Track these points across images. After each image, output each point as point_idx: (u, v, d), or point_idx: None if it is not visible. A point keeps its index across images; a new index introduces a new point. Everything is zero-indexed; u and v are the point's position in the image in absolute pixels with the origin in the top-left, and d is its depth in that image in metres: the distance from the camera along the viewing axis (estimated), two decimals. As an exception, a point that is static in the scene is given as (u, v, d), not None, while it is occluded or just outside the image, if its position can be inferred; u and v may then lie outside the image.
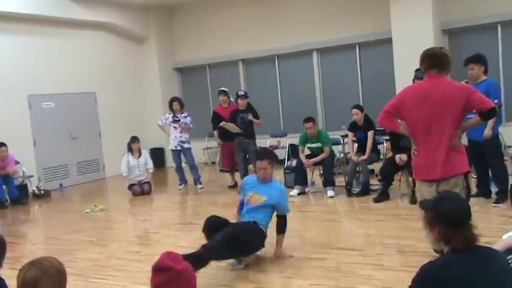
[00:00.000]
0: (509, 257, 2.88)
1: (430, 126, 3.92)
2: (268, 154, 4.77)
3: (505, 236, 3.09)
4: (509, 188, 6.10)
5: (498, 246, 2.93)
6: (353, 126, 7.87)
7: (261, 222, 4.79)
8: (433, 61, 3.98)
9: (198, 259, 3.98)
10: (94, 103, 11.76)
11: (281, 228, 4.95)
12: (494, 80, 6.29)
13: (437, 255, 3.69)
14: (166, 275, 2.02)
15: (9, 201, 9.25)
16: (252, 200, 4.90)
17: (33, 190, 9.92)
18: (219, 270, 4.73)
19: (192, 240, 5.80)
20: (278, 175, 8.79)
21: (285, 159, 9.98)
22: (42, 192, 9.91)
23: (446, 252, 2.38)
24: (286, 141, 10.51)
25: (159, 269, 2.04)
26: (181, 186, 9.43)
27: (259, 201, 4.86)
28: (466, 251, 2.31)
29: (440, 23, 9.53)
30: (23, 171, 9.94)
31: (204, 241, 4.67)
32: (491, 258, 2.35)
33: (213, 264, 4.86)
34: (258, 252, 4.89)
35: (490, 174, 6.38)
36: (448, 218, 2.34)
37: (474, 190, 6.67)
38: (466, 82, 6.27)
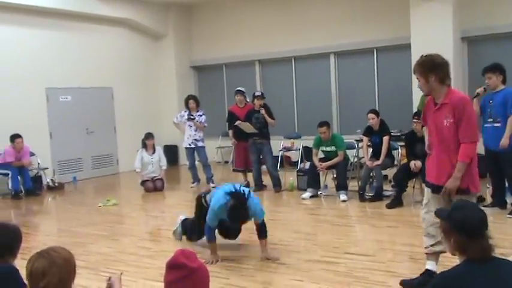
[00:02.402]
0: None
1: None
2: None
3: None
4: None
5: (513, 258, 2.89)
6: (368, 131, 7.84)
7: None
8: (448, 71, 3.77)
9: None
10: (110, 98, 11.84)
11: (264, 234, 4.99)
12: None
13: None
14: (180, 272, 2.01)
15: (23, 192, 9.36)
16: None
17: (48, 182, 10.02)
18: (229, 269, 4.73)
19: (203, 239, 5.80)
20: (291, 177, 8.83)
21: (298, 162, 9.96)
22: (56, 184, 10.00)
23: (462, 262, 2.35)
24: (300, 144, 10.49)
25: (173, 266, 2.04)
26: (194, 184, 9.45)
27: None
28: (482, 261, 2.28)
29: (460, 30, 9.44)
30: (38, 163, 10.04)
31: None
32: (507, 270, 2.32)
33: (224, 264, 4.87)
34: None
35: (507, 184, 6.31)
36: (464, 227, 2.32)
37: (489, 200, 6.61)
38: (485, 90, 6.23)
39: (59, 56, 10.70)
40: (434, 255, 4.01)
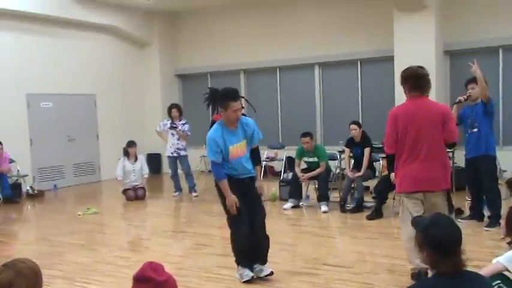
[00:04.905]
0: (495, 282, 2.87)
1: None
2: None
3: (494, 261, 3.07)
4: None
5: (484, 271, 2.91)
6: (350, 142, 7.87)
7: (253, 172, 4.74)
8: (417, 83, 4.17)
9: None
10: (93, 105, 11.75)
11: (258, 160, 4.99)
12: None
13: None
14: (148, 285, 1.99)
15: (1, 199, 9.22)
16: (235, 155, 4.56)
17: (27, 190, 9.89)
18: (208, 280, 4.70)
19: (184, 249, 5.79)
20: (273, 187, 8.82)
21: (281, 172, 9.96)
22: (36, 192, 9.87)
23: (432, 276, 2.36)
24: (283, 154, 10.50)
25: (140, 279, 2.02)
26: (176, 193, 9.40)
27: (243, 150, 4.62)
28: (452, 275, 2.28)
29: (443, 43, 9.56)
30: (18, 170, 9.91)
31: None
32: (477, 284, 2.33)
33: (202, 274, 4.83)
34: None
35: (484, 197, 6.36)
36: (437, 244, 2.31)
37: (467, 212, 6.66)
38: (461, 100, 6.29)
39: (42, 61, 10.59)
40: None
